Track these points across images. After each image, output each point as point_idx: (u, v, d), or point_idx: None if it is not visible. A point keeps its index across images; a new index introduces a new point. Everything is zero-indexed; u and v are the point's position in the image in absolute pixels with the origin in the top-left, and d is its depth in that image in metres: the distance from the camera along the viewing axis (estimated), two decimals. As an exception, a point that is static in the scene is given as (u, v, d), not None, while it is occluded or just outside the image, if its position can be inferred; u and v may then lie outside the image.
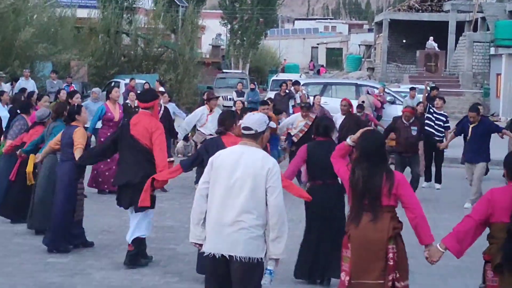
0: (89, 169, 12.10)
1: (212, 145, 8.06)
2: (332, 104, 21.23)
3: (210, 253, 5.70)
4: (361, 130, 6.42)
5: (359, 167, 6.10)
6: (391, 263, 6.00)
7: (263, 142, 5.97)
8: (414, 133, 14.62)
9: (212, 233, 5.71)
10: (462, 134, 14.69)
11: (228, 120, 8.46)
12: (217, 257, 5.66)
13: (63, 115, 10.47)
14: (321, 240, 8.47)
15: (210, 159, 5.90)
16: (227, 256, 5.63)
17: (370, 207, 6.02)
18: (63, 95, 15.63)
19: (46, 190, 10.24)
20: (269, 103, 15.47)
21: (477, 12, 46.80)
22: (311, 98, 21.41)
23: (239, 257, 5.60)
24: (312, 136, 8.89)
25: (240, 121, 6.03)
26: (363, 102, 20.49)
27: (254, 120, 5.90)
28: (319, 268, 8.53)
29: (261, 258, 5.70)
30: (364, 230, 5.99)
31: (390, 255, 6.00)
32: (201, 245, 5.82)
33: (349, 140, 6.43)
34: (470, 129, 14.09)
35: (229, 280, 5.70)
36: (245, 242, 5.62)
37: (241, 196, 5.65)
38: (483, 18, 45.87)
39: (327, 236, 8.42)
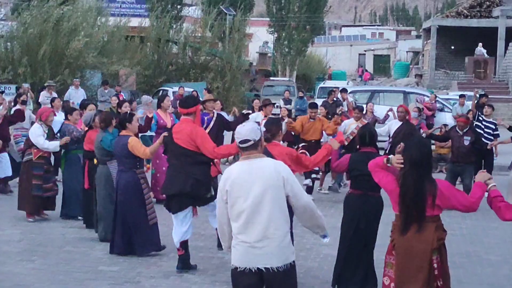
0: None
1: None
2: (380, 112, 21.08)
3: (244, 268, 5.66)
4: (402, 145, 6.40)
5: (409, 177, 6.05)
6: (436, 273, 6.03)
7: (262, 148, 5.88)
8: (466, 142, 14.53)
9: (243, 249, 5.68)
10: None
11: (275, 127, 8.49)
12: (252, 271, 5.63)
13: (111, 124, 10.63)
14: (350, 251, 8.36)
15: (220, 183, 5.81)
16: (262, 269, 5.62)
17: (417, 217, 6.01)
18: (114, 101, 15.92)
19: (105, 199, 10.49)
20: (317, 106, 15.67)
21: (527, 17, 46.25)
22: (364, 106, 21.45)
23: (277, 268, 5.61)
24: (357, 146, 8.82)
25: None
26: (422, 109, 20.46)
27: (248, 130, 5.77)
28: (344, 279, 8.43)
29: (294, 261, 5.74)
30: (410, 240, 6.00)
31: (435, 265, 6.02)
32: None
33: (391, 160, 6.34)
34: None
35: None
36: (278, 253, 5.62)
37: (264, 212, 5.61)
38: (534, 24, 45.34)
39: (356, 248, 8.33)
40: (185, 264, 9.21)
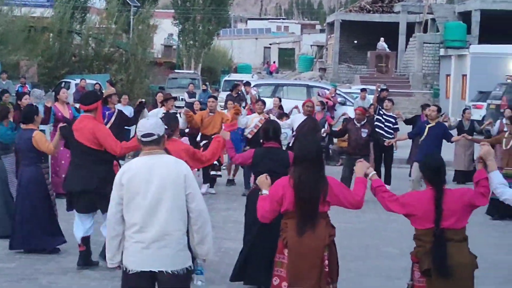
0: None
1: None
2: (283, 105, 21.16)
3: (135, 270, 5.45)
4: None
5: (304, 175, 6.07)
6: (326, 270, 6.08)
7: (163, 145, 5.74)
8: (364, 135, 14.75)
9: (138, 250, 5.45)
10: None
11: (173, 122, 8.40)
12: (145, 274, 5.44)
13: (6, 118, 10.34)
14: (253, 247, 8.21)
15: (116, 177, 5.58)
16: (156, 272, 5.43)
17: (311, 214, 6.04)
18: (6, 98, 15.44)
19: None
20: (217, 97, 15.67)
21: (427, 13, 47.34)
22: (269, 100, 21.58)
23: (170, 271, 5.44)
24: (261, 141, 8.75)
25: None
26: (326, 102, 20.69)
27: (153, 124, 5.63)
28: (245, 275, 8.34)
29: (191, 266, 5.58)
30: (303, 238, 6.01)
31: (326, 262, 6.07)
32: (119, 266, 5.61)
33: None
34: (426, 129, 14.20)
35: None
36: (175, 255, 5.45)
37: (164, 209, 5.43)
38: (433, 20, 46.42)
39: (260, 243, 8.13)
40: (86, 261, 9.06)
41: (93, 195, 8.72)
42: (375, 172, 6.30)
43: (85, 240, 9.03)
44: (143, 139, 5.57)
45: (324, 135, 15.93)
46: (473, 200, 6.00)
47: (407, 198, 6.13)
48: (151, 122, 5.67)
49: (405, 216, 6.07)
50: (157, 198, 5.43)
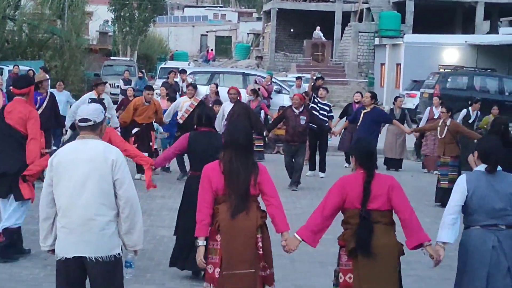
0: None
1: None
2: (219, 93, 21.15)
3: (62, 257, 5.45)
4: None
5: (236, 161, 6.13)
6: (261, 252, 6.14)
7: (102, 132, 5.71)
8: (302, 122, 14.85)
9: (64, 236, 5.44)
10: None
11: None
12: (72, 260, 5.42)
13: None
14: (188, 232, 7.88)
15: (50, 159, 5.58)
16: (85, 257, 5.41)
17: (243, 197, 6.09)
18: None
19: None
20: (153, 88, 15.58)
21: (362, 3, 47.77)
22: (205, 87, 21.65)
23: (96, 258, 5.40)
24: (194, 126, 8.75)
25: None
26: (259, 89, 20.77)
27: (91, 110, 5.62)
28: (181, 260, 8.35)
29: (119, 254, 5.54)
30: (236, 220, 6.05)
31: (260, 244, 6.14)
32: (53, 251, 5.58)
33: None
34: (362, 115, 14.36)
35: (83, 284, 5.57)
36: (99, 240, 5.40)
37: (88, 193, 5.40)
38: (368, 9, 46.88)
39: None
40: (3, 253, 8.80)
41: (13, 178, 8.62)
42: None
43: (7, 230, 8.80)
44: (80, 124, 5.58)
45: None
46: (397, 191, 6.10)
47: (339, 181, 6.22)
48: (92, 108, 5.67)
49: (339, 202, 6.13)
50: (81, 182, 5.42)
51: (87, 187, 5.42)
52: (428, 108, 18.48)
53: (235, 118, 14.88)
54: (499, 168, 6.21)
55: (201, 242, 6.18)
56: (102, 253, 5.43)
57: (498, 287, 6.07)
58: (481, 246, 6.09)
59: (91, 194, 5.42)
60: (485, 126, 17.13)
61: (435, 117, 17.45)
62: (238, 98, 15.83)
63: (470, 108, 18.16)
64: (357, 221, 5.98)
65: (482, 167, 6.20)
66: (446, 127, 14.07)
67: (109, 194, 5.47)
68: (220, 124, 15.05)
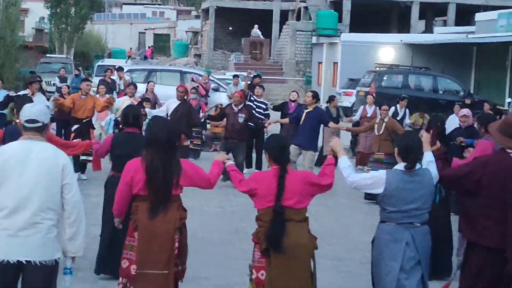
0: None
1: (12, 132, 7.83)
2: (156, 91, 21.09)
3: (2, 260, 5.29)
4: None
5: (157, 160, 6.13)
6: (176, 252, 6.17)
7: (46, 134, 5.64)
8: (241, 120, 14.93)
9: (4, 238, 5.29)
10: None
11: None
12: (11, 263, 5.29)
13: None
14: (114, 234, 7.91)
15: None
16: (23, 261, 5.31)
17: (163, 197, 6.11)
18: None
19: None
20: (91, 80, 15.51)
21: (300, 1, 48.06)
22: (142, 85, 21.51)
23: (38, 262, 5.32)
24: (120, 126, 8.68)
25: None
26: (197, 87, 20.77)
27: (38, 111, 5.54)
28: (106, 263, 8.22)
29: (59, 259, 5.49)
30: (154, 221, 6.07)
31: (176, 244, 6.15)
32: None
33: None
34: (304, 114, 14.49)
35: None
36: (44, 244, 5.33)
37: (37, 196, 5.32)
38: (306, 8, 47.16)
39: (121, 231, 7.49)
40: None
41: None
42: (232, 162, 6.48)
43: None
44: (26, 125, 5.48)
45: (202, 120, 16.00)
46: (318, 179, 6.22)
47: (252, 176, 6.30)
48: (37, 108, 5.58)
49: (250, 196, 6.19)
50: (31, 184, 5.34)
51: (36, 190, 5.33)
52: (362, 106, 18.71)
53: (178, 116, 14.95)
54: (418, 165, 6.32)
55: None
56: (45, 257, 5.36)
57: (410, 280, 6.20)
58: (395, 241, 6.20)
59: (40, 198, 5.34)
60: (413, 123, 17.48)
61: (368, 115, 17.70)
62: (186, 97, 15.81)
63: (398, 105, 18.46)
64: (270, 218, 6.00)
65: (401, 165, 6.29)
66: (384, 124, 14.33)
67: (56, 198, 5.43)
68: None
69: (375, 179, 6.27)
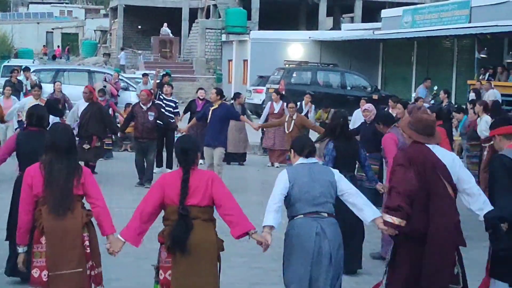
0: None
1: None
2: (65, 91, 20.79)
3: None
4: None
5: (58, 164, 6.14)
6: (88, 251, 6.15)
7: None
8: (151, 118, 14.85)
9: None
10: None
11: None
12: None
13: None
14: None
15: None
16: None
17: (65, 198, 6.10)
18: None
19: None
20: None
21: (209, -1, 48.10)
22: (49, 85, 21.19)
23: None
24: (25, 125, 8.58)
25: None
26: (105, 87, 20.53)
27: None
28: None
29: None
30: (60, 220, 6.04)
31: (86, 243, 6.14)
32: None
33: None
34: (210, 112, 14.46)
35: None
36: None
37: None
38: (215, 6, 47.16)
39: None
40: None
41: None
42: None
43: None
44: None
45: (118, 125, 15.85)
46: (218, 202, 6.15)
47: (158, 181, 6.26)
48: None
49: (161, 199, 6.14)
50: None
51: None
52: (269, 103, 18.84)
53: (87, 118, 14.77)
54: (315, 160, 6.51)
55: (20, 249, 6.24)
56: None
57: (321, 273, 6.31)
58: (305, 234, 6.31)
59: None
60: (320, 119, 17.71)
61: (276, 111, 17.85)
62: (93, 97, 15.55)
63: (302, 102, 18.62)
64: (175, 217, 6.01)
65: (300, 160, 6.48)
66: (293, 121, 14.46)
67: None
68: (71, 122, 14.92)
69: (280, 178, 6.45)
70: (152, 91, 16.96)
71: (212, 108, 14.48)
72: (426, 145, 6.28)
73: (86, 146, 14.71)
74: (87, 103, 15.28)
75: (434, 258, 6.05)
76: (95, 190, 6.30)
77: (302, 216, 6.36)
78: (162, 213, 6.24)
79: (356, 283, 8.88)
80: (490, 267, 6.49)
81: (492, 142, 13.68)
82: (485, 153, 13.89)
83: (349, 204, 6.55)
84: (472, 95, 20.28)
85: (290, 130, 14.47)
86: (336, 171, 6.61)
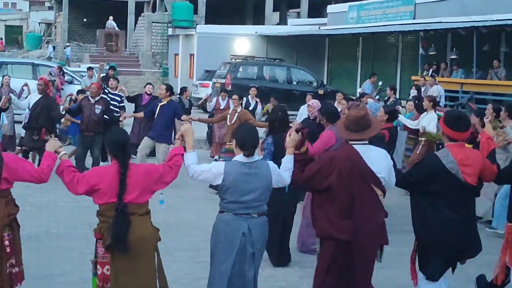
0: None
1: None
2: (12, 85, 20.44)
3: None
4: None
5: None
6: (8, 250, 6.05)
7: None
8: (98, 111, 14.75)
9: None
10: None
11: None
12: None
13: None
14: None
15: None
16: None
17: None
18: None
19: None
20: None
21: (155, -7, 47.88)
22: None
23: None
24: None
25: None
26: (54, 81, 20.31)
27: None
28: None
29: None
30: None
31: (6, 242, 6.04)
32: None
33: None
34: (158, 107, 14.47)
35: None
36: None
37: None
38: (161, -1, 47.06)
39: None
40: None
41: None
42: (65, 152, 6.25)
43: None
44: None
45: (63, 112, 15.60)
46: (163, 175, 6.13)
47: (91, 172, 6.15)
48: None
49: (87, 194, 5.99)
50: None
51: None
52: (215, 98, 18.83)
53: (38, 111, 14.61)
54: (256, 158, 6.43)
55: None
56: None
57: (243, 271, 6.35)
58: (232, 231, 6.30)
59: None
60: (267, 113, 17.74)
61: (222, 107, 17.86)
62: (47, 90, 15.30)
63: (249, 96, 18.64)
64: (112, 213, 5.86)
65: (240, 156, 6.36)
66: (236, 114, 14.48)
67: None
68: (26, 107, 14.88)
69: (215, 170, 6.29)
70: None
71: (161, 104, 14.50)
72: (356, 146, 6.33)
73: (35, 137, 14.59)
74: (40, 96, 15.07)
75: (361, 262, 6.22)
76: (29, 168, 6.12)
77: (232, 214, 6.32)
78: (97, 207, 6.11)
79: (301, 277, 8.95)
80: (415, 258, 6.84)
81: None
82: (421, 147, 14.17)
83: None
84: (413, 92, 20.55)
85: (232, 122, 14.45)
86: (271, 164, 6.52)
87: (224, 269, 6.31)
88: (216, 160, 18.38)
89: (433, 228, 6.57)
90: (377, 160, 6.32)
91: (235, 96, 15.03)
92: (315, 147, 9.14)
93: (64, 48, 48.22)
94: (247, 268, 6.36)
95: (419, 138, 14.30)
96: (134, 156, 16.52)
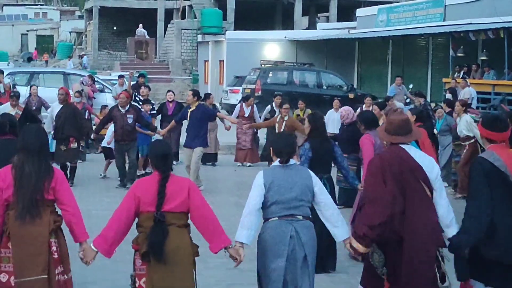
0: None
1: None
2: (40, 93, 20.63)
3: None
4: None
5: (28, 165, 6.06)
6: (56, 257, 6.09)
7: None
8: (130, 121, 14.81)
9: None
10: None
11: None
12: None
13: None
14: None
15: None
16: None
17: (33, 202, 6.02)
18: None
19: None
20: None
21: (184, 0, 47.96)
22: (26, 88, 21.04)
23: None
24: None
25: None
26: (82, 90, 20.41)
27: None
28: None
29: None
30: (26, 226, 5.98)
31: (54, 248, 6.09)
32: None
33: None
34: (189, 114, 14.48)
35: None
36: None
37: None
38: (190, 6, 47.08)
39: None
40: None
41: None
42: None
43: None
44: None
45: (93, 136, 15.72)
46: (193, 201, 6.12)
47: (135, 185, 6.23)
48: None
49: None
50: None
51: None
52: (239, 105, 18.77)
53: (63, 120, 14.69)
54: (293, 162, 6.45)
55: None
56: None
57: (296, 276, 6.27)
58: (279, 236, 6.26)
59: None
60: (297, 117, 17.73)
61: (246, 115, 17.83)
62: (68, 99, 15.45)
63: (273, 103, 18.50)
64: (150, 224, 5.95)
65: (277, 162, 6.44)
66: (284, 123, 14.58)
67: None
68: (49, 126, 14.88)
69: (255, 183, 6.35)
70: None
71: (190, 110, 14.51)
72: (403, 147, 6.27)
73: (63, 148, 14.66)
74: (61, 105, 15.19)
75: (412, 260, 6.01)
76: (67, 196, 6.19)
77: (276, 218, 6.31)
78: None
79: (332, 282, 8.90)
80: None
81: (472, 141, 13.98)
82: (465, 151, 14.09)
83: (323, 216, 6.49)
84: (449, 96, 20.41)
85: (280, 131, 14.49)
86: (313, 176, 6.51)
87: (275, 277, 6.24)
88: (239, 165, 18.42)
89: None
90: (424, 164, 6.21)
91: (286, 106, 15.08)
92: (365, 154, 9.15)
93: (80, 58, 48.46)
94: (299, 276, 6.27)
95: (462, 143, 14.23)
96: (175, 163, 16.56)
